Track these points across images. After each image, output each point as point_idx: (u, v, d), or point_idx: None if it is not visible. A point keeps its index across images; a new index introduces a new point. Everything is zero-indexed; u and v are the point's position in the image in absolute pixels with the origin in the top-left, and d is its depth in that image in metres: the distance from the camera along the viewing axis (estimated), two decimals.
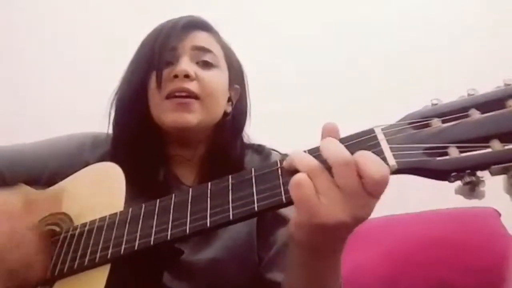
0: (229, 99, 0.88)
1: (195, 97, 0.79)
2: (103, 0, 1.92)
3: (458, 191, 0.48)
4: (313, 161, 0.49)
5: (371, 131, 0.51)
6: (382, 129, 0.51)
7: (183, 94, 0.79)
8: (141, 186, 0.73)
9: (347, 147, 0.50)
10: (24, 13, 1.90)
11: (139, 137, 0.83)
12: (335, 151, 0.48)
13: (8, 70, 1.80)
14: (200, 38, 0.85)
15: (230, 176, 0.58)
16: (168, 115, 0.79)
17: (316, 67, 1.81)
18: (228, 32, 0.92)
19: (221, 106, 0.85)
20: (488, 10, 1.73)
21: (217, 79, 0.84)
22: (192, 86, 0.79)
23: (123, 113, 0.85)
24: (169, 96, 0.79)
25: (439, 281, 1.13)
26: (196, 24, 0.86)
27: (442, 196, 1.42)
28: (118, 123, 0.86)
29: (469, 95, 0.51)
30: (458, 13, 1.77)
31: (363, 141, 0.50)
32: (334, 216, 0.47)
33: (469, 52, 1.67)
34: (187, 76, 0.79)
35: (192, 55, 0.82)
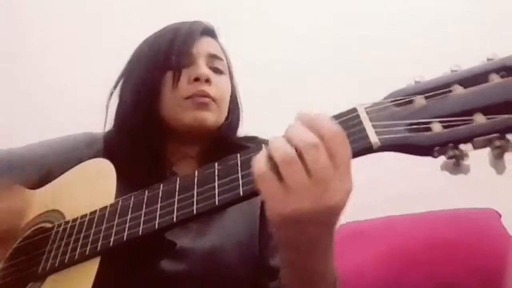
0: None
1: (213, 100, 0.84)
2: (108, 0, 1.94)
3: (443, 167, 0.47)
4: (287, 150, 0.47)
5: (354, 110, 0.50)
6: (365, 108, 0.50)
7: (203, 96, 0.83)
8: (144, 183, 0.72)
9: None
10: (24, 13, 1.92)
11: (145, 134, 0.83)
12: (299, 134, 0.47)
13: (8, 71, 1.82)
14: (213, 46, 0.89)
15: (216, 163, 0.58)
16: (188, 113, 0.82)
17: (308, 56, 1.81)
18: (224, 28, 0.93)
19: (227, 108, 0.89)
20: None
21: (226, 84, 0.89)
22: (211, 90, 0.83)
23: (132, 111, 0.85)
24: (189, 97, 0.82)
25: (440, 281, 1.12)
26: (207, 31, 0.90)
27: (442, 196, 1.40)
28: (124, 119, 0.86)
29: (452, 71, 0.51)
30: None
31: (345, 120, 0.50)
32: (302, 206, 0.46)
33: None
34: (207, 80, 0.83)
35: (206, 61, 0.86)
